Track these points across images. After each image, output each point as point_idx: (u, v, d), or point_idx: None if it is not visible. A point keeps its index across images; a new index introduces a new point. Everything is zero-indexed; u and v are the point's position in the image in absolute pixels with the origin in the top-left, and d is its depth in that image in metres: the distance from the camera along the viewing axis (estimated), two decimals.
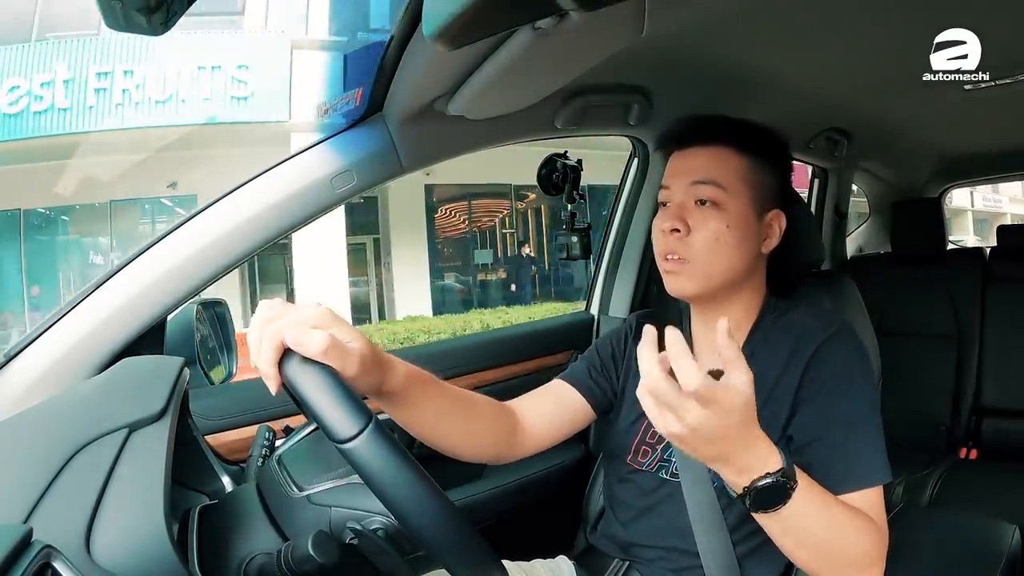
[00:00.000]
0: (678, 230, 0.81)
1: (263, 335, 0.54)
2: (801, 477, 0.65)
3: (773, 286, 0.90)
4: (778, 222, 0.86)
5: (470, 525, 0.54)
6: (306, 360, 0.54)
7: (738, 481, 0.63)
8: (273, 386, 0.55)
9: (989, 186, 15.39)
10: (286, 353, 0.54)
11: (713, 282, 0.82)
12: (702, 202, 0.82)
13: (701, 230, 0.81)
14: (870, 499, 0.73)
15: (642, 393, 0.59)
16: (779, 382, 0.81)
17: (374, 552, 0.60)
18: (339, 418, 0.51)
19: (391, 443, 0.52)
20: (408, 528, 0.53)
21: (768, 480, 0.62)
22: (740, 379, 0.59)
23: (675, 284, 0.84)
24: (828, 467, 0.75)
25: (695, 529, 0.82)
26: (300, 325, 0.55)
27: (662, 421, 0.59)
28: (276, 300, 0.59)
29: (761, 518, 0.66)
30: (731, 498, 0.65)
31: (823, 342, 0.80)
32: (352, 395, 0.53)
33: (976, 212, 18.23)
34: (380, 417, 0.81)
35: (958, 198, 15.62)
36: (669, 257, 0.83)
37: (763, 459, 0.62)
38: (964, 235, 15.42)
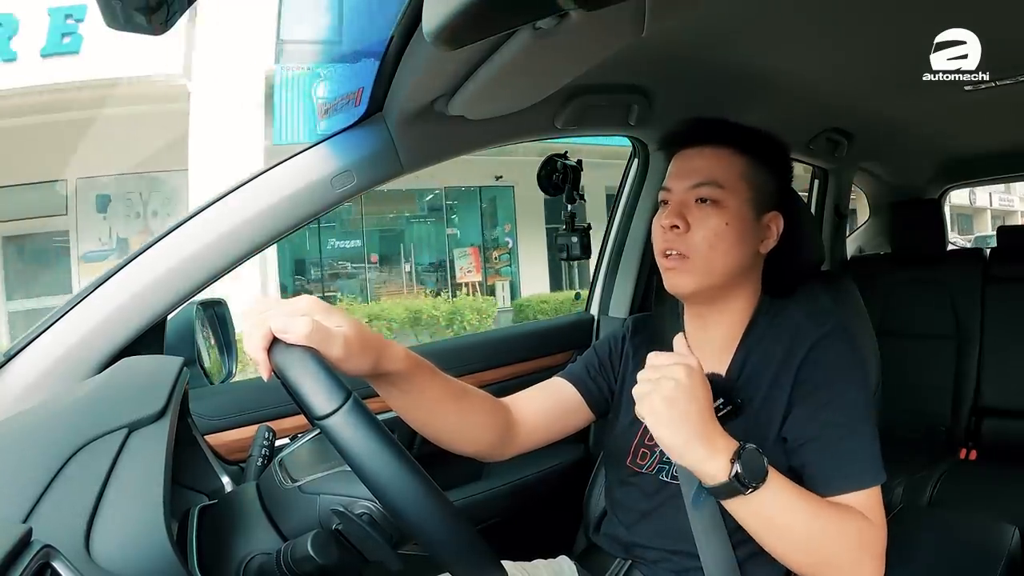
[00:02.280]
0: (677, 227, 0.82)
1: (253, 323, 0.57)
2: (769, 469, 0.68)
3: (769, 287, 0.90)
4: (776, 224, 0.87)
5: (449, 503, 0.54)
6: (291, 345, 0.56)
7: (719, 464, 0.66)
8: (264, 372, 0.57)
9: (1002, 186, 16.41)
10: (275, 341, 0.56)
11: (711, 279, 0.83)
12: (702, 200, 0.83)
13: (700, 227, 0.82)
14: (866, 500, 0.73)
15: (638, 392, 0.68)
16: (774, 383, 0.81)
17: (360, 538, 0.60)
18: (317, 395, 0.53)
19: (370, 420, 0.52)
20: (386, 504, 0.53)
21: (744, 451, 0.66)
22: (682, 359, 0.69)
23: (674, 280, 0.84)
24: (822, 468, 0.75)
25: (695, 531, 0.82)
26: (286, 314, 0.57)
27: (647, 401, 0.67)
28: (269, 296, 0.60)
29: (744, 509, 0.67)
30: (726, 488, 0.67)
31: (816, 342, 0.81)
32: (331, 374, 0.54)
33: (993, 211, 18.90)
34: (390, 415, 0.82)
35: (979, 198, 17.57)
36: (668, 253, 0.83)
37: (727, 443, 0.67)
38: (987, 231, 16.40)
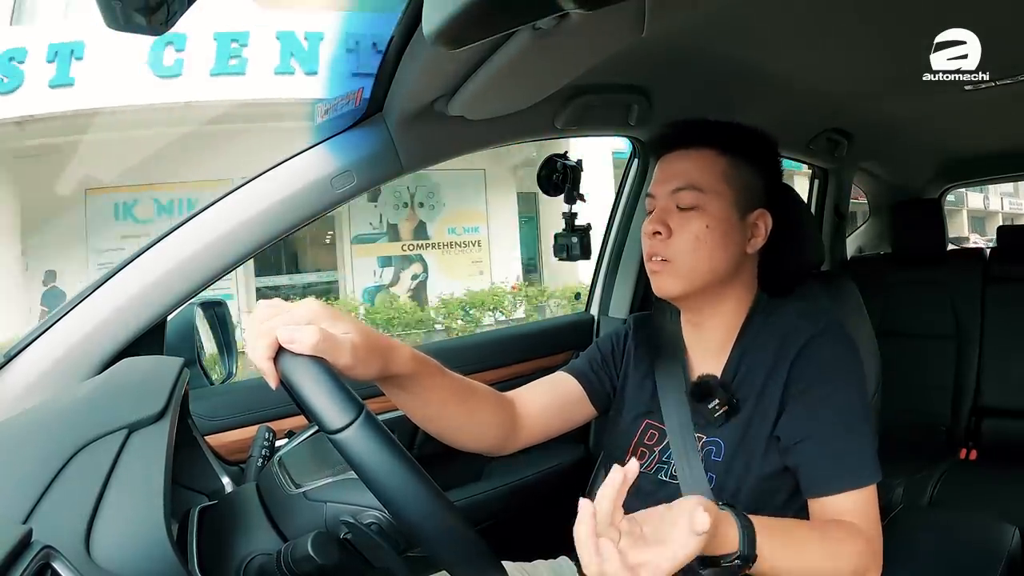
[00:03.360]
0: (660, 232, 0.83)
1: (258, 332, 0.56)
2: (763, 530, 0.63)
3: (766, 286, 0.90)
4: (763, 222, 0.86)
5: (462, 516, 0.54)
6: (299, 355, 0.55)
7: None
8: (272, 381, 0.56)
9: (1012, 190, 16.89)
10: (281, 349, 0.55)
11: (696, 282, 0.83)
12: (682, 206, 0.83)
13: (682, 232, 0.82)
14: (860, 500, 0.73)
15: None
16: (768, 382, 0.81)
17: (368, 547, 0.60)
18: (330, 409, 0.52)
19: (382, 434, 0.52)
20: (399, 519, 0.53)
21: (725, 563, 0.61)
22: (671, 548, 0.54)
23: (659, 284, 0.85)
24: (815, 467, 0.75)
25: None
26: (292, 322, 0.56)
27: None
28: (275, 300, 0.60)
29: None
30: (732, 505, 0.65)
31: (808, 340, 0.81)
32: (343, 387, 0.54)
33: (1004, 214, 20.08)
34: (390, 415, 0.82)
35: (992, 203, 18.62)
36: (653, 259, 0.84)
37: (722, 544, 0.61)
38: None
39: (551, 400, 0.89)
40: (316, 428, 0.69)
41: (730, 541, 0.62)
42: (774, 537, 0.65)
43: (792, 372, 0.80)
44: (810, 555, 0.68)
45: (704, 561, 0.61)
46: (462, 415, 0.77)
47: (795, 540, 0.69)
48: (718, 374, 0.85)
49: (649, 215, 0.87)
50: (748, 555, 0.62)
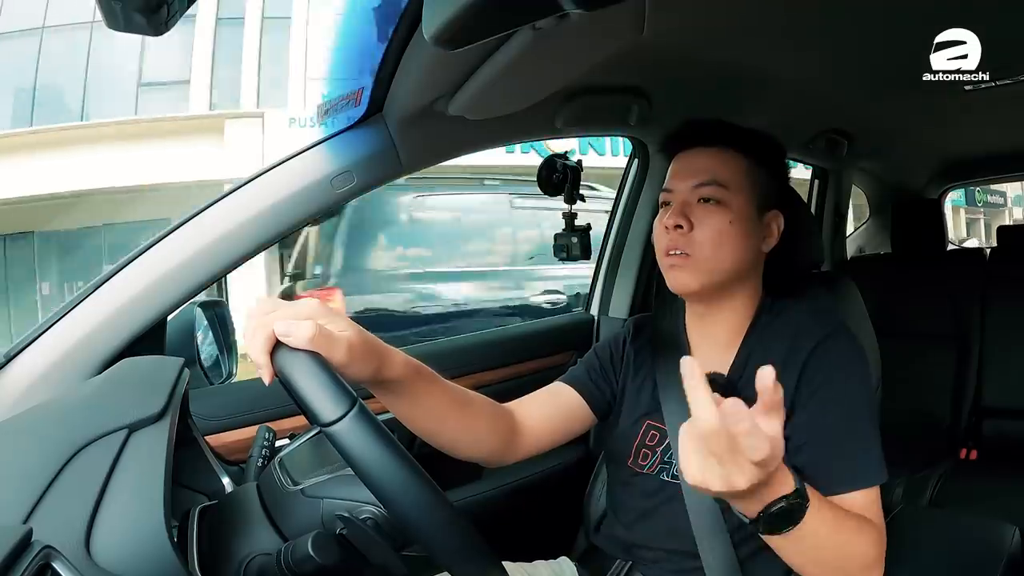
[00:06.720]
0: (681, 226, 0.82)
1: (255, 326, 0.56)
2: (812, 495, 0.64)
3: (770, 286, 0.90)
4: (777, 223, 0.87)
5: (458, 512, 0.54)
6: (295, 349, 0.55)
7: (750, 507, 0.61)
8: (266, 375, 0.56)
9: None
10: (277, 344, 0.56)
11: (715, 278, 0.83)
12: (705, 200, 0.83)
13: (704, 226, 0.82)
14: (866, 500, 0.73)
15: (692, 438, 0.56)
16: (777, 382, 0.81)
17: (364, 543, 0.60)
18: (323, 402, 0.52)
19: (376, 427, 0.52)
20: (393, 513, 0.53)
21: (781, 504, 0.61)
22: (776, 427, 0.57)
23: (678, 279, 0.84)
24: (823, 468, 0.75)
25: (695, 531, 0.82)
26: (290, 317, 0.57)
27: (709, 475, 0.55)
28: (272, 297, 0.61)
29: (771, 538, 0.64)
30: (742, 519, 0.64)
31: (819, 342, 0.81)
32: (337, 379, 0.54)
33: None
34: (384, 416, 0.82)
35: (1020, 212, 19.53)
36: (672, 252, 0.83)
37: (778, 485, 0.61)
38: None
39: (551, 411, 0.89)
40: (318, 429, 0.69)
41: (787, 482, 0.61)
42: (816, 496, 0.65)
43: (803, 372, 0.80)
44: (845, 526, 0.68)
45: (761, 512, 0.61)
46: (458, 424, 0.77)
47: (833, 508, 0.68)
48: (724, 372, 0.85)
49: (664, 208, 0.86)
50: (803, 492, 0.62)
